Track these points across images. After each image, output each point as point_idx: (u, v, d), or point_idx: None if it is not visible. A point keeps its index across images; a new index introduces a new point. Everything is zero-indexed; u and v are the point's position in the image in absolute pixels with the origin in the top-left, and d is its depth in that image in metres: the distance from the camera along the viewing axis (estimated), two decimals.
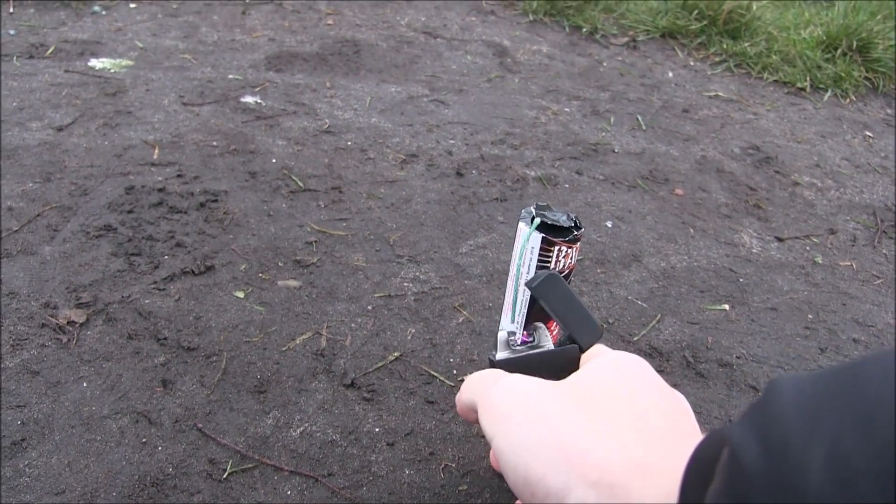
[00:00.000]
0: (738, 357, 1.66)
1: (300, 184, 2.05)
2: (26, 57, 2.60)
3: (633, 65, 3.43)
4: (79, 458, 1.23)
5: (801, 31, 3.89)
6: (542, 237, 1.05)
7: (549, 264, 1.07)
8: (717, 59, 3.65)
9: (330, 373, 1.45)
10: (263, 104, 2.49)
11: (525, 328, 1.09)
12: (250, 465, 1.25)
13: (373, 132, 2.41)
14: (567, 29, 3.72)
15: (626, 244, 2.02)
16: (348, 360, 1.48)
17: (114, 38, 2.86)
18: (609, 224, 2.09)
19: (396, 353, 1.51)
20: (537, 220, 1.05)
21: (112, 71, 2.60)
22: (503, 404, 0.59)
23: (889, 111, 3.42)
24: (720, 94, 3.26)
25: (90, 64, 2.62)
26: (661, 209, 2.22)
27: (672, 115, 2.94)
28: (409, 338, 1.56)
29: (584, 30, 3.70)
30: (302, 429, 1.32)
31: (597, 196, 2.23)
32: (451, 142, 2.41)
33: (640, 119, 2.84)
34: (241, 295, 1.63)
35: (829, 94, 3.47)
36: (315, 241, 1.83)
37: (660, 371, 1.59)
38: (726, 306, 1.85)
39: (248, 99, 2.52)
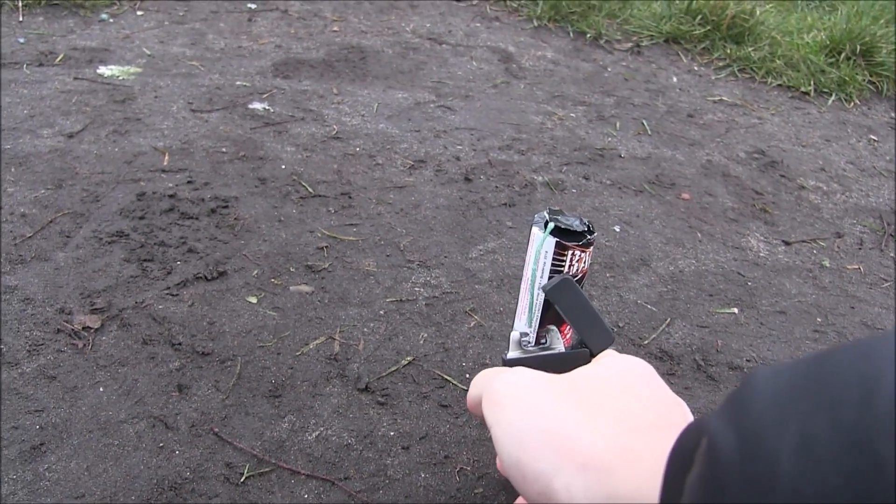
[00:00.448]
0: (748, 360, 1.67)
1: (310, 190, 2.06)
2: (36, 65, 2.62)
3: (637, 70, 3.44)
4: (97, 462, 1.24)
5: (805, 36, 3.90)
6: (556, 241, 1.06)
7: (562, 268, 1.08)
8: (720, 63, 3.67)
9: (344, 377, 1.46)
10: (272, 110, 2.51)
11: (538, 330, 1.10)
12: (267, 469, 1.26)
13: (381, 138, 2.42)
14: (571, 34, 3.73)
15: (635, 248, 2.03)
16: (362, 365, 1.49)
17: (122, 45, 2.88)
18: (617, 228, 2.10)
19: (409, 358, 1.52)
20: (551, 225, 1.06)
21: (121, 78, 2.61)
22: (502, 394, 0.60)
23: (893, 115, 3.43)
24: (724, 98, 3.28)
25: (99, 71, 2.64)
26: (668, 213, 2.23)
27: (677, 120, 2.95)
28: (422, 342, 1.57)
29: (589, 35, 3.72)
30: (317, 433, 1.33)
31: (604, 201, 2.24)
32: (459, 147, 2.42)
33: (645, 124, 2.85)
34: (253, 300, 1.64)
35: (833, 98, 3.48)
36: (326, 247, 1.84)
37: (670, 374, 1.60)
38: (735, 310, 1.86)
39: (257, 105, 2.53)
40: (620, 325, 1.72)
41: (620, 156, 2.55)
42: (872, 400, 0.30)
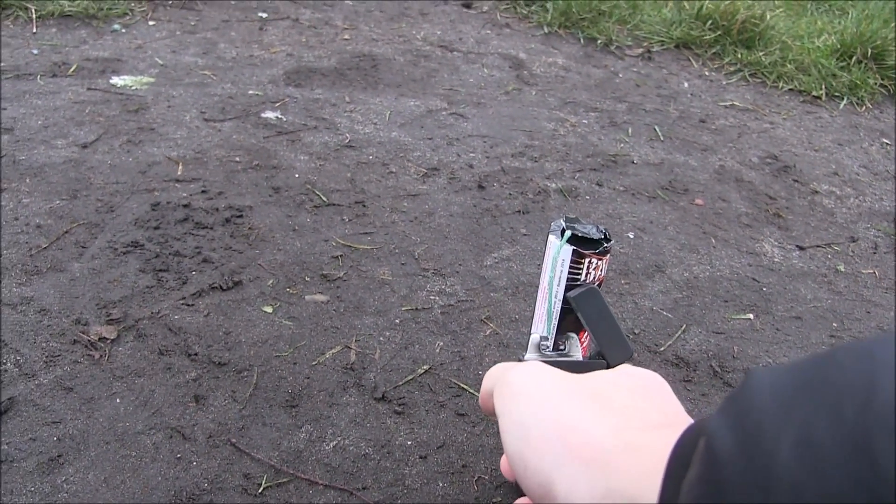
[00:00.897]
0: (764, 366, 1.67)
1: (324, 198, 2.06)
2: (50, 75, 2.63)
3: (648, 76, 3.44)
4: (115, 473, 1.24)
5: (815, 40, 3.89)
6: (573, 249, 1.06)
7: (579, 276, 1.08)
8: (731, 68, 3.66)
9: (360, 386, 1.46)
10: (284, 119, 2.51)
11: (557, 337, 1.10)
12: (285, 480, 1.26)
13: (393, 146, 2.42)
14: (582, 41, 3.73)
15: (649, 255, 2.02)
16: (378, 374, 1.49)
17: (134, 55, 2.89)
18: (631, 235, 2.10)
19: (425, 367, 1.52)
20: (568, 233, 1.06)
21: (133, 88, 2.62)
22: (515, 385, 0.60)
23: None
24: (736, 103, 3.27)
25: (112, 81, 2.65)
26: (681, 219, 2.22)
27: (689, 126, 2.95)
28: (438, 351, 1.57)
29: (599, 41, 3.72)
30: (335, 443, 1.33)
31: (618, 207, 2.24)
32: (472, 155, 2.42)
33: (657, 130, 2.85)
34: (269, 310, 1.64)
35: (844, 102, 3.47)
36: (341, 256, 1.84)
37: (687, 381, 1.59)
38: (751, 315, 1.85)
39: (269, 114, 2.53)
40: (636, 331, 1.71)
41: (633, 162, 2.55)
42: (872, 400, 0.30)
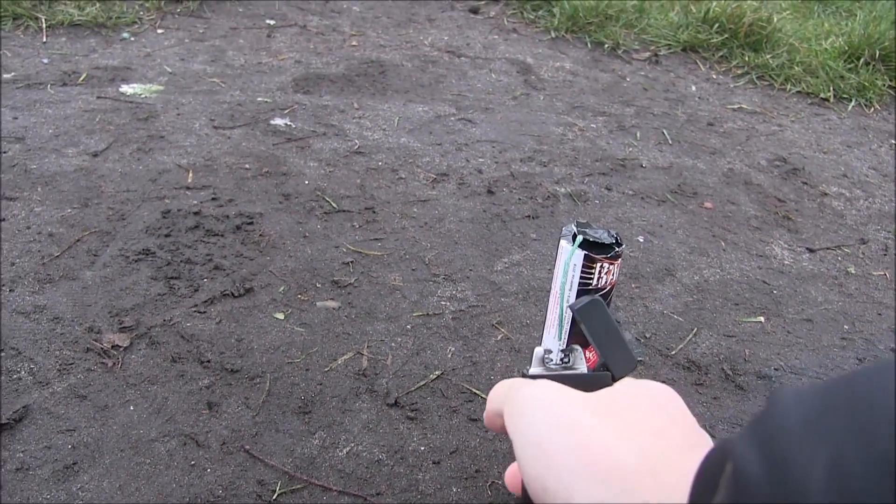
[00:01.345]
0: (776, 369, 1.67)
1: (334, 205, 2.07)
2: (60, 84, 2.64)
3: (656, 79, 3.44)
4: (129, 481, 1.25)
5: (823, 42, 3.89)
6: (585, 254, 1.06)
7: (591, 281, 1.08)
8: (739, 71, 3.66)
9: (373, 392, 1.46)
10: (293, 126, 2.52)
11: (562, 349, 1.10)
12: (299, 486, 1.26)
13: (402, 152, 2.43)
14: (589, 45, 3.73)
15: (659, 258, 2.02)
16: (390, 380, 1.49)
17: (143, 63, 2.90)
18: (641, 239, 2.10)
19: (437, 372, 1.53)
20: (579, 238, 1.06)
21: (143, 96, 2.63)
22: (528, 405, 0.60)
23: None
24: (744, 106, 3.27)
25: (122, 90, 2.66)
26: (691, 223, 2.22)
27: (697, 129, 2.94)
28: (450, 356, 1.58)
29: (606, 46, 3.72)
30: (348, 448, 1.33)
31: (627, 211, 2.24)
32: (481, 160, 2.43)
33: (665, 133, 2.85)
34: (281, 316, 1.65)
35: (852, 103, 3.47)
36: (351, 262, 1.84)
37: (699, 385, 1.59)
38: (762, 318, 1.85)
39: (278, 121, 2.54)
40: (647, 335, 1.72)
41: (642, 166, 2.55)
42: None
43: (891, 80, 3.62)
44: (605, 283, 1.09)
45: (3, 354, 1.47)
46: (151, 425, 1.35)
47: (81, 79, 2.71)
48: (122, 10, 3.29)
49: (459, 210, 2.12)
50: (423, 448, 1.34)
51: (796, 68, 3.63)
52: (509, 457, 1.34)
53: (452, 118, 2.73)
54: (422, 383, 1.49)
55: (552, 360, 1.07)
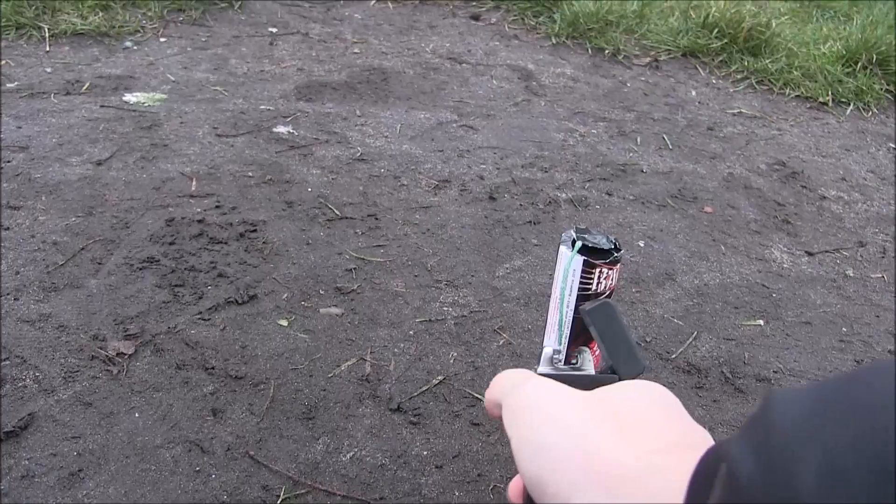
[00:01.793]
0: (775, 371, 1.68)
1: (337, 212, 2.08)
2: (63, 93, 2.66)
3: (656, 85, 3.46)
4: (135, 487, 1.26)
5: (821, 47, 3.90)
6: (584, 260, 1.07)
7: (590, 286, 1.09)
8: (738, 76, 3.67)
9: (376, 398, 1.47)
10: (296, 134, 2.53)
11: (569, 350, 1.11)
12: (303, 491, 1.27)
13: (405, 159, 2.44)
14: (589, 51, 3.75)
15: (659, 263, 2.04)
16: (393, 385, 1.51)
17: (146, 72, 2.92)
18: (641, 243, 2.12)
19: (440, 377, 1.54)
20: (578, 244, 1.07)
21: (146, 105, 2.65)
22: (527, 403, 0.60)
23: None
24: (743, 110, 3.28)
25: (125, 98, 2.67)
26: (691, 227, 2.24)
27: (697, 134, 2.96)
28: (452, 361, 1.59)
29: (607, 51, 3.73)
30: (352, 454, 1.35)
31: (628, 216, 2.25)
32: (482, 166, 2.44)
33: (666, 138, 2.86)
34: (284, 323, 1.66)
35: (851, 107, 3.48)
36: (354, 269, 1.86)
37: (698, 388, 1.60)
38: (761, 322, 1.86)
39: (281, 129, 2.56)
40: (647, 339, 1.73)
41: (643, 171, 2.57)
42: None
43: (888, 84, 3.64)
44: (605, 287, 1.10)
45: (8, 362, 1.49)
46: (156, 432, 1.36)
47: (85, 88, 2.73)
48: (124, 19, 3.30)
49: (461, 216, 2.13)
50: (425, 452, 1.35)
51: (795, 73, 3.64)
52: (512, 461, 1.35)
53: (454, 125, 2.75)
54: (424, 388, 1.50)
55: (560, 361, 1.09)
